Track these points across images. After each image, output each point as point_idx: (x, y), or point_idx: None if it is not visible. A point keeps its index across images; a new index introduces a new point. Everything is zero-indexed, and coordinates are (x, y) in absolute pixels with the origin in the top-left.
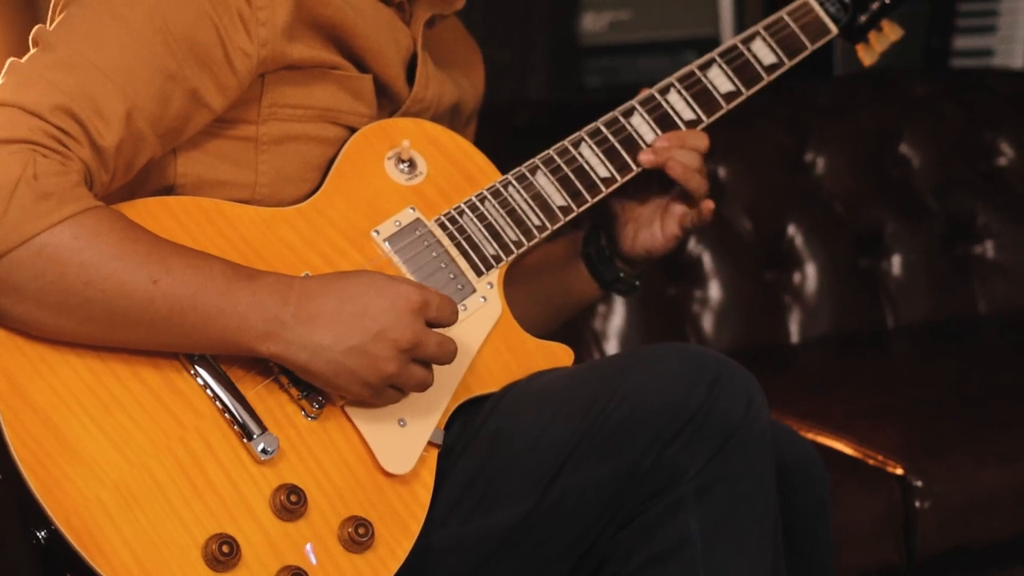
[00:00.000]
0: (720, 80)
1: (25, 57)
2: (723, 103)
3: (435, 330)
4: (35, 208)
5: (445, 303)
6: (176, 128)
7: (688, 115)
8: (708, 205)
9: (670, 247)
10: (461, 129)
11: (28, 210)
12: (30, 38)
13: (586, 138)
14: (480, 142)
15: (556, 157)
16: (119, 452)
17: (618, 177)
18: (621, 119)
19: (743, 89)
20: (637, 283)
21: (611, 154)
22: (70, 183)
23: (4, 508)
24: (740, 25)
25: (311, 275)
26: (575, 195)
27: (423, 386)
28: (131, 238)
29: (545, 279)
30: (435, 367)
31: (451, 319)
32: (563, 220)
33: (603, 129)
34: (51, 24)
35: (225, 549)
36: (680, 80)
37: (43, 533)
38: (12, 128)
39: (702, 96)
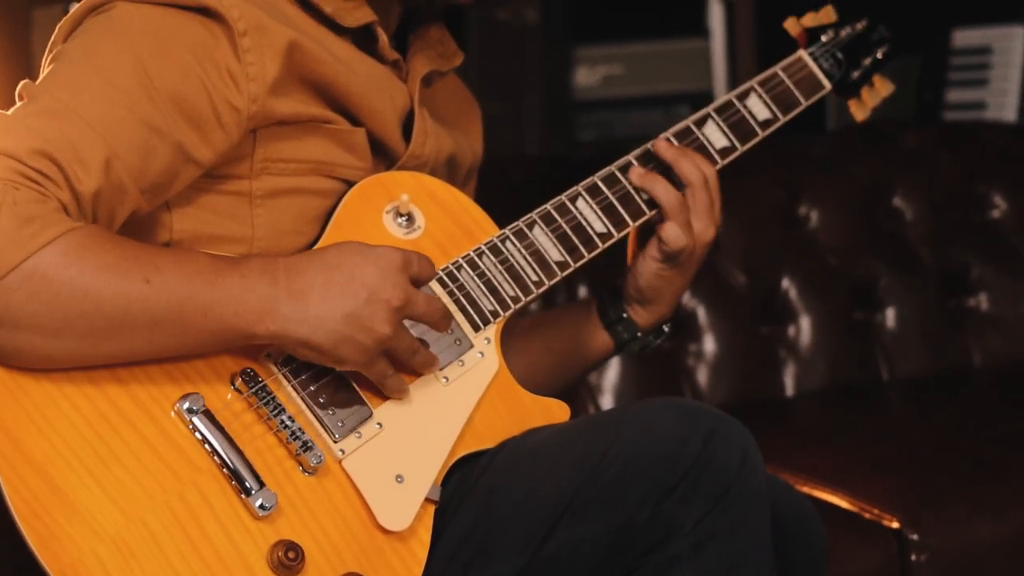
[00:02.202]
0: (716, 136)
1: (10, 110)
2: (718, 159)
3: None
4: (19, 234)
5: (424, 259)
6: (161, 182)
7: None
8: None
9: (663, 274)
10: (460, 185)
11: (13, 237)
12: (16, 92)
13: (583, 193)
14: (476, 197)
15: (553, 212)
16: (116, 506)
17: (615, 233)
18: (617, 174)
19: (738, 145)
20: (642, 334)
21: (608, 210)
22: (51, 208)
23: (1, 562)
24: (733, 80)
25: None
26: (572, 250)
27: (412, 352)
28: (118, 245)
29: (563, 330)
30: (433, 424)
31: (431, 273)
32: (560, 276)
33: (600, 184)
34: (39, 79)
35: None
36: (676, 136)
37: None
38: None
39: (698, 152)
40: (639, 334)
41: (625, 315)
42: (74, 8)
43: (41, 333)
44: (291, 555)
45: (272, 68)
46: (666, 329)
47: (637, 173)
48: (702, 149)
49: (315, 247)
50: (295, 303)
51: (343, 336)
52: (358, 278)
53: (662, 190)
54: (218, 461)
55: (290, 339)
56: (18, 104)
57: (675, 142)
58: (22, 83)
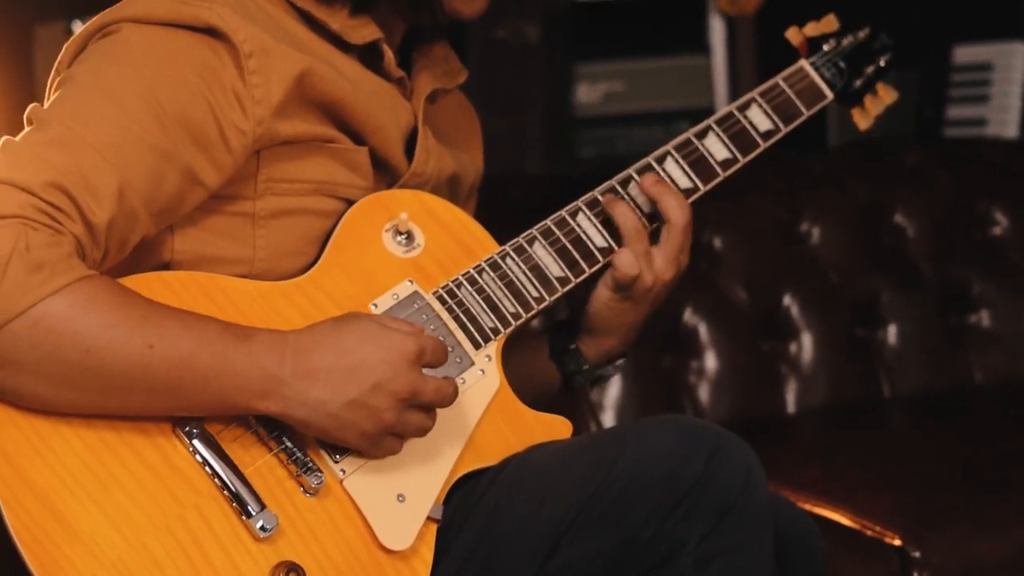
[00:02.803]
0: (716, 147)
1: (19, 135)
2: (720, 171)
3: (432, 375)
4: (28, 280)
5: (439, 348)
6: (170, 206)
7: (685, 183)
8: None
9: (613, 304)
10: (462, 203)
11: (21, 282)
12: (24, 116)
13: (583, 208)
14: (476, 214)
15: (554, 228)
16: (117, 531)
17: (615, 247)
18: (619, 188)
19: (739, 156)
20: (589, 367)
21: (608, 224)
22: (62, 254)
23: None
24: (734, 96)
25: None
26: (572, 265)
27: (423, 431)
28: (125, 304)
29: (522, 355)
30: (434, 442)
31: (443, 361)
32: (561, 291)
33: (600, 199)
34: (46, 102)
35: None
36: (677, 148)
37: None
38: (2, 204)
39: (699, 164)
40: (585, 367)
41: (573, 346)
42: (79, 30)
43: (43, 380)
44: None
45: (278, 91)
46: (619, 364)
47: (609, 199)
48: (703, 161)
49: (313, 268)
50: (298, 384)
51: (342, 421)
52: (367, 366)
53: (622, 214)
54: (218, 483)
55: (289, 418)
56: (27, 130)
57: (664, 175)
58: (30, 107)
